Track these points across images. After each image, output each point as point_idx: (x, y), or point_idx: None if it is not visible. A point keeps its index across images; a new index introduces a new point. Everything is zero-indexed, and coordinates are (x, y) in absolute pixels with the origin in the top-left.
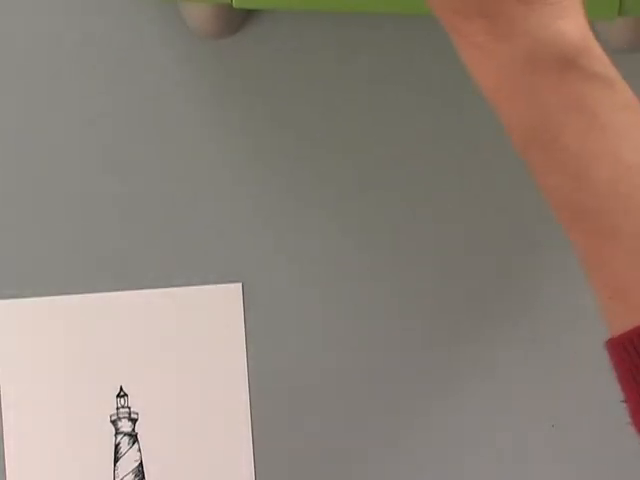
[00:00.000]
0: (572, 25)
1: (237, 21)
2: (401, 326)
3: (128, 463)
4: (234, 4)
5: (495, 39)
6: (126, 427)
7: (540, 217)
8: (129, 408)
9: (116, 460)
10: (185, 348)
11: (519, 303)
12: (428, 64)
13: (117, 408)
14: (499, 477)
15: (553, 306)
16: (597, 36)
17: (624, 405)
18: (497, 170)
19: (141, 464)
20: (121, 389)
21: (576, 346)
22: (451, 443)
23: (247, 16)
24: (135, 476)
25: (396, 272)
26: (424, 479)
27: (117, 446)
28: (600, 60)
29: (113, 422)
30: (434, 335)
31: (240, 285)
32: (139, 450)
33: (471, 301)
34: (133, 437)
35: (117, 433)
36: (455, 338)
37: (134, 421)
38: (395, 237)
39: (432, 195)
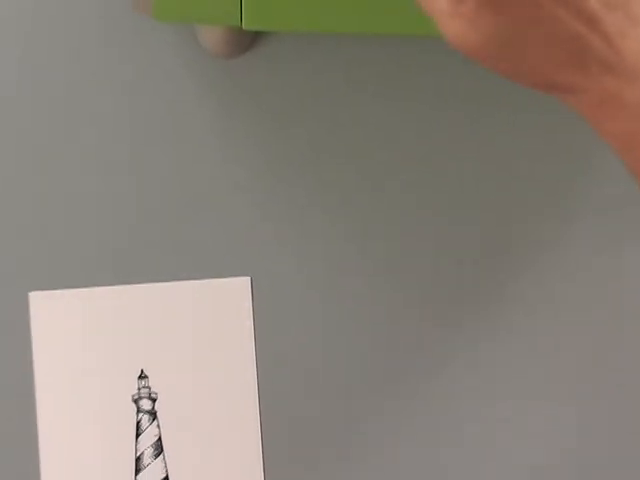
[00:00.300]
0: None
1: (246, 42)
2: (402, 316)
3: (148, 438)
4: (243, 26)
5: (620, 84)
6: (147, 406)
7: (535, 215)
8: (149, 388)
9: (138, 435)
10: (197, 338)
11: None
12: (434, 84)
13: (138, 389)
14: (499, 447)
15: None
16: None
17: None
18: (495, 176)
19: (160, 439)
20: (142, 372)
21: (568, 331)
22: (451, 415)
23: (256, 37)
24: (154, 449)
25: (399, 265)
26: (423, 459)
27: (138, 423)
28: None
29: (135, 401)
30: (434, 327)
31: (249, 279)
32: (158, 426)
33: (471, 289)
34: (153, 415)
35: (139, 411)
36: (453, 321)
37: (154, 400)
38: (398, 232)
39: (431, 195)
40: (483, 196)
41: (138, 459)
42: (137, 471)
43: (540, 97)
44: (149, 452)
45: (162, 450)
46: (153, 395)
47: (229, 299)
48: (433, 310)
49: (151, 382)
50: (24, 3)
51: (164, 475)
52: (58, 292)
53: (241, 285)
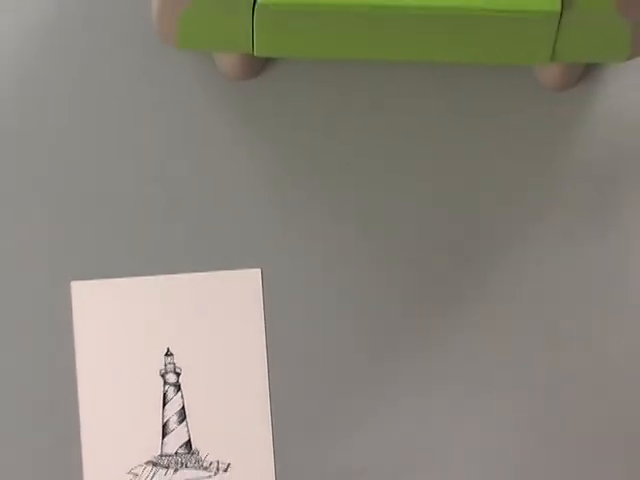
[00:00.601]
0: None
1: (259, 66)
2: (404, 307)
3: (173, 407)
4: (255, 53)
5: None
6: (172, 379)
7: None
8: (174, 364)
9: (164, 404)
10: (214, 322)
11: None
12: (441, 114)
13: (165, 365)
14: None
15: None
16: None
17: None
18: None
19: (183, 407)
20: (168, 350)
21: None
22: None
23: (267, 62)
24: (179, 417)
25: (403, 259)
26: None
27: (165, 394)
28: None
29: (162, 375)
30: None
31: (259, 270)
32: (182, 397)
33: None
34: (177, 387)
35: (165, 384)
36: (455, 298)
37: (178, 375)
38: (399, 227)
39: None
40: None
41: (165, 425)
42: (164, 435)
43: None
44: (174, 419)
45: (185, 417)
46: (177, 370)
47: (242, 289)
48: (440, 298)
49: (176, 359)
50: (56, 31)
51: (187, 438)
52: (97, 282)
53: (252, 276)
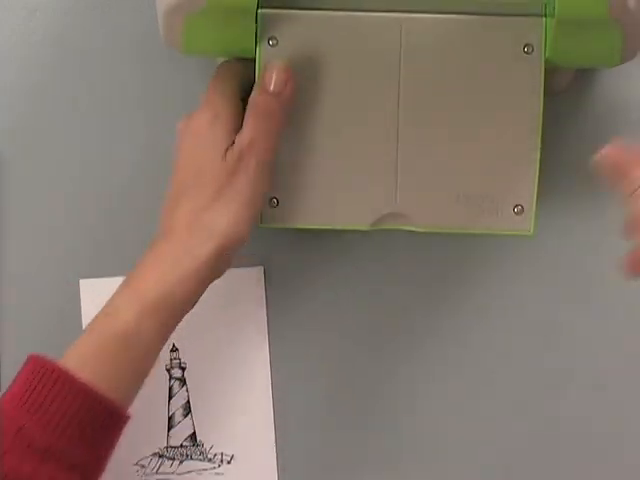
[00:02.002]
0: None
1: None
2: (405, 305)
3: (179, 400)
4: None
5: None
6: (177, 374)
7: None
8: (180, 359)
9: (170, 398)
10: (218, 319)
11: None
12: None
13: (171, 360)
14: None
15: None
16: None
17: None
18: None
19: (188, 401)
20: (173, 345)
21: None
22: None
23: None
24: (184, 410)
25: (403, 257)
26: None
27: (170, 388)
28: None
29: (168, 370)
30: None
31: (262, 268)
32: (187, 391)
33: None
34: (182, 381)
35: (171, 378)
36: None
37: (183, 369)
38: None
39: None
40: None
41: (170, 418)
42: (169, 428)
43: None
44: (179, 412)
45: (190, 410)
46: (183, 365)
47: (245, 286)
48: (446, 293)
49: (181, 354)
50: (62, 36)
51: (192, 431)
52: (104, 279)
53: (255, 274)
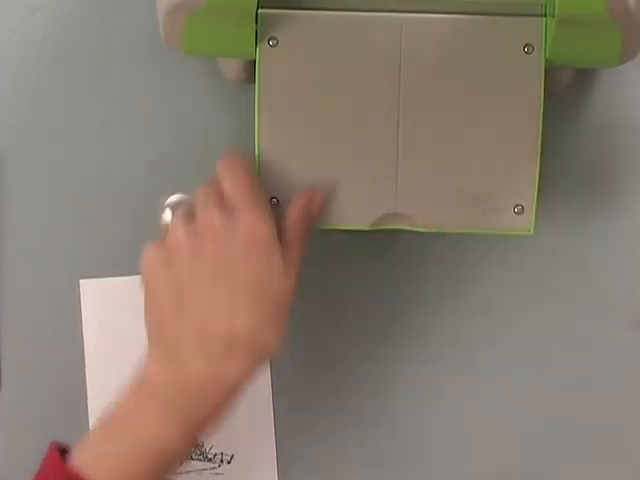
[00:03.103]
0: None
1: None
2: (405, 302)
3: None
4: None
5: None
6: None
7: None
8: None
9: None
10: None
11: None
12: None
13: None
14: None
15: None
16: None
17: None
18: None
19: None
20: None
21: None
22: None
23: None
24: None
25: (403, 256)
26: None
27: None
28: None
29: None
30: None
31: None
32: None
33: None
34: None
35: None
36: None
37: None
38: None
39: None
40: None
41: None
42: None
43: None
44: None
45: None
46: None
47: None
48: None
49: None
50: (62, 36)
51: None
52: (104, 280)
53: None
